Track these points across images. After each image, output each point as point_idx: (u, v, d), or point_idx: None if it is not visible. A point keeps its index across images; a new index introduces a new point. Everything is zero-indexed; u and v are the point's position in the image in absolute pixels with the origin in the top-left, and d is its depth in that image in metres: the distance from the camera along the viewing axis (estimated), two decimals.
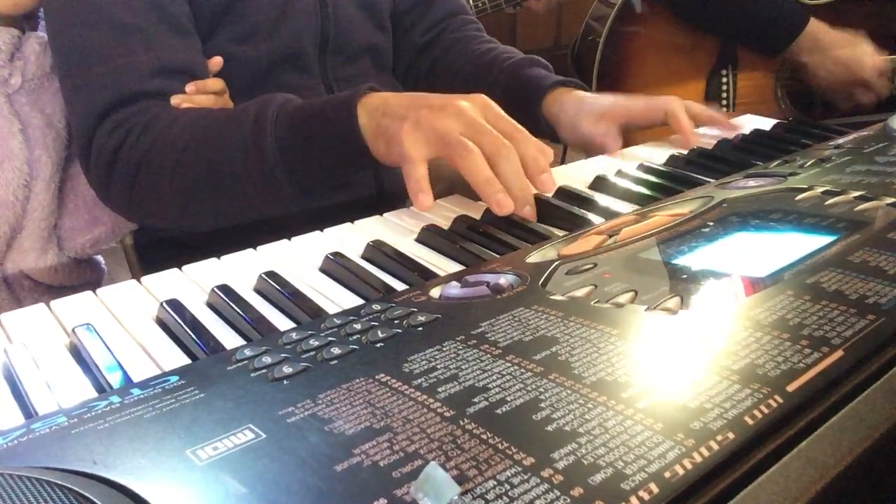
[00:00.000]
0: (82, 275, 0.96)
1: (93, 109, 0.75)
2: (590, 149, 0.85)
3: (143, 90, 0.75)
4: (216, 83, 0.82)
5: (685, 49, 1.42)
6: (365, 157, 0.67)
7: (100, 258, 1.00)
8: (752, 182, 0.61)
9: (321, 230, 0.64)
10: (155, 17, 0.76)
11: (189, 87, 0.79)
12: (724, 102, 1.44)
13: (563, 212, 0.64)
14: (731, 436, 0.29)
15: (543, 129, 0.89)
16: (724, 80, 1.43)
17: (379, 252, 0.58)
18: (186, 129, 0.73)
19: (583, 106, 0.85)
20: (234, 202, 0.73)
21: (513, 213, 0.62)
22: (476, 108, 0.65)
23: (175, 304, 0.50)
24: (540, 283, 0.44)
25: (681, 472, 0.27)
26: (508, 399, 0.32)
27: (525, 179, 0.63)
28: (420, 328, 0.40)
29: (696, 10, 1.39)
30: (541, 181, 0.65)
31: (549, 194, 0.67)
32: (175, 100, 0.77)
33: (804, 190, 0.56)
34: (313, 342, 0.39)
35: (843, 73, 1.31)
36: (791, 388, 0.31)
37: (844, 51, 1.30)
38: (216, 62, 0.83)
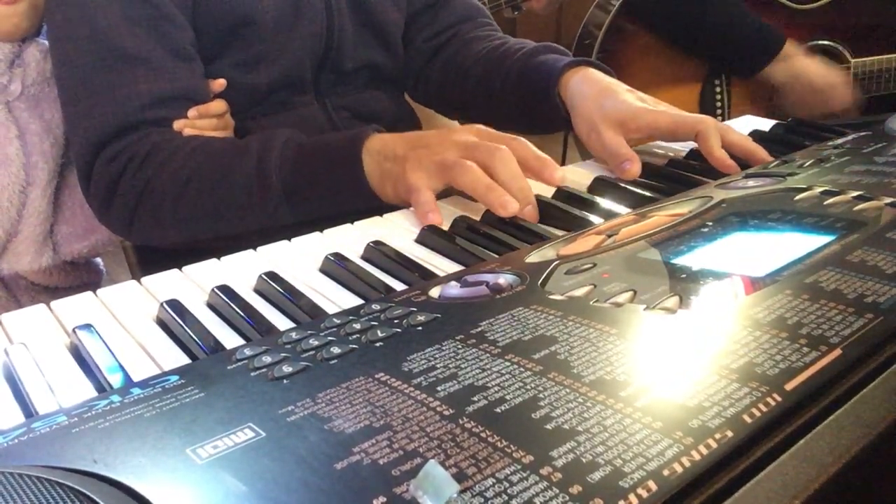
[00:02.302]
0: (79, 276, 0.96)
1: (94, 137, 0.76)
2: (605, 160, 0.77)
3: (143, 119, 0.76)
4: (218, 106, 0.82)
5: (678, 57, 1.43)
6: (370, 199, 0.69)
7: (98, 260, 1.00)
8: (751, 182, 0.61)
9: (321, 230, 0.64)
10: (157, 45, 0.77)
11: (191, 113, 0.79)
12: (719, 110, 1.45)
13: (563, 212, 0.65)
14: (729, 434, 0.29)
15: (561, 117, 0.81)
16: (718, 87, 1.44)
17: (379, 252, 0.58)
18: (189, 160, 0.73)
19: (604, 103, 0.75)
20: (236, 230, 0.74)
21: (515, 216, 0.63)
22: (469, 132, 0.67)
23: (175, 305, 0.50)
24: (539, 282, 0.44)
25: (679, 469, 0.27)
26: (507, 398, 0.32)
27: (524, 180, 0.64)
28: (419, 328, 0.40)
29: (676, 32, 1.40)
30: (548, 175, 0.66)
31: (561, 184, 0.68)
32: (177, 125, 0.78)
33: (803, 190, 0.56)
34: (313, 342, 0.39)
35: (811, 104, 1.33)
36: (789, 386, 0.31)
37: (817, 83, 1.32)
38: (219, 84, 0.83)
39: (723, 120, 1.43)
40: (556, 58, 0.84)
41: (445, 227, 0.64)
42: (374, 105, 0.96)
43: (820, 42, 1.43)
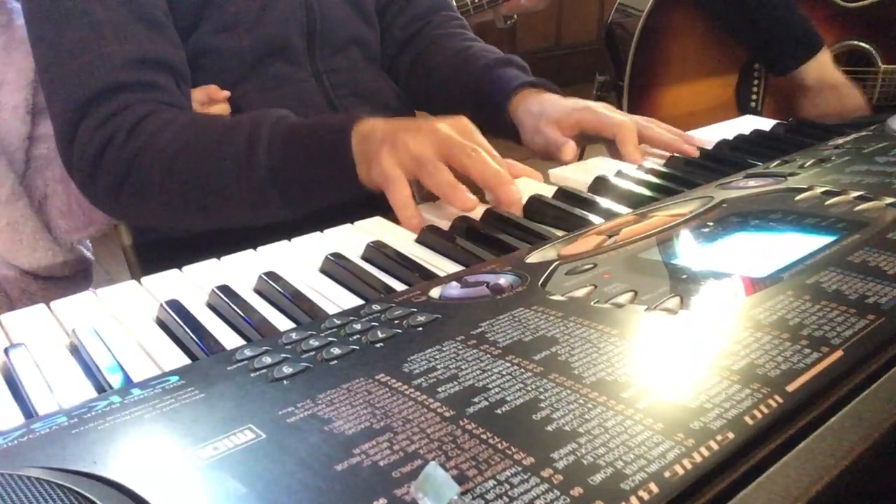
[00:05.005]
0: (71, 267, 0.96)
1: (71, 104, 0.75)
2: (547, 155, 0.84)
3: (118, 82, 0.75)
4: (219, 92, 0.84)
5: (720, 43, 1.43)
6: (354, 183, 0.69)
7: (87, 253, 1.00)
8: (751, 182, 0.61)
9: (321, 230, 0.64)
10: (127, 13, 0.77)
11: (199, 96, 0.81)
12: (755, 98, 1.44)
13: (563, 212, 0.65)
14: (730, 436, 0.29)
15: (509, 130, 0.88)
16: (756, 75, 1.43)
17: (379, 252, 0.58)
18: (178, 136, 0.73)
19: (544, 110, 0.84)
20: (223, 211, 0.75)
21: (499, 203, 0.65)
22: (452, 128, 0.67)
23: (175, 305, 0.50)
24: (540, 283, 0.44)
25: (680, 471, 0.27)
26: (508, 399, 0.32)
27: (495, 166, 0.65)
28: (420, 328, 0.40)
29: (722, 15, 1.39)
30: (503, 196, 0.65)
31: (514, 209, 0.65)
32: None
33: (804, 190, 0.56)
34: (313, 342, 0.39)
35: (838, 111, 1.33)
36: (791, 388, 0.31)
37: (845, 89, 1.32)
38: (225, 94, 0.85)
39: (756, 111, 1.42)
40: (513, 74, 0.91)
41: (445, 226, 0.64)
42: (372, 84, 0.98)
43: (853, 42, 1.42)
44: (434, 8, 1.04)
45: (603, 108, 0.83)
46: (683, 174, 0.74)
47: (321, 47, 0.92)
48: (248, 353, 0.38)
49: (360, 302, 0.50)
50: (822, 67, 1.32)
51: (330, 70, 0.93)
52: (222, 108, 0.84)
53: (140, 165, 0.74)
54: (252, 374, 0.36)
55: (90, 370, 0.44)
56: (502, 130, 0.90)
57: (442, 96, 0.98)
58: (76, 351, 0.46)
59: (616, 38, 1.53)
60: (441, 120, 0.68)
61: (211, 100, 0.84)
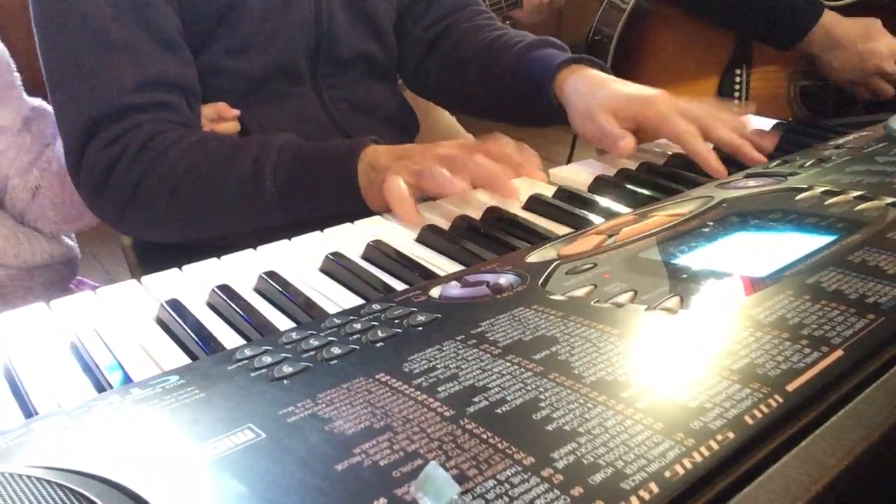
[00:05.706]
0: (55, 257, 0.96)
1: (81, 123, 0.76)
2: (602, 144, 0.78)
3: (131, 104, 0.76)
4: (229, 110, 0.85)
5: (699, 45, 1.42)
6: (360, 206, 0.70)
7: (68, 240, 1.00)
8: (751, 182, 0.61)
9: (321, 230, 0.64)
10: (142, 32, 0.77)
11: (208, 112, 0.82)
12: (736, 103, 1.44)
13: (563, 212, 0.65)
14: (730, 435, 0.29)
15: (556, 114, 0.83)
16: (738, 78, 1.43)
17: (379, 252, 0.58)
18: (185, 156, 0.74)
19: (598, 94, 0.77)
20: (227, 228, 0.76)
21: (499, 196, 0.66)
22: (451, 146, 0.69)
23: (175, 304, 0.50)
24: (540, 282, 0.44)
25: (681, 471, 0.27)
26: (508, 399, 0.32)
27: (490, 163, 0.66)
28: (420, 328, 0.40)
29: (709, 2, 1.38)
30: (524, 169, 0.68)
31: (543, 181, 0.69)
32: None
33: (804, 190, 0.56)
34: (313, 342, 0.39)
35: (858, 65, 1.30)
36: (791, 387, 0.31)
37: (858, 42, 1.29)
38: (235, 113, 0.86)
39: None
40: (552, 54, 0.85)
41: (445, 226, 0.64)
42: (372, 97, 0.97)
43: None
44: (460, 5, 1.01)
45: (665, 107, 0.74)
46: (684, 173, 0.74)
47: (324, 65, 0.91)
48: (248, 352, 0.38)
49: (360, 301, 0.50)
50: (829, 29, 1.29)
51: (329, 85, 0.93)
52: (232, 126, 0.84)
53: (146, 185, 0.74)
54: (252, 374, 0.36)
55: (90, 369, 0.44)
56: (548, 115, 0.84)
57: (478, 90, 0.94)
58: (76, 350, 0.46)
59: (597, 46, 1.53)
60: (439, 143, 0.70)
61: (220, 117, 0.84)
